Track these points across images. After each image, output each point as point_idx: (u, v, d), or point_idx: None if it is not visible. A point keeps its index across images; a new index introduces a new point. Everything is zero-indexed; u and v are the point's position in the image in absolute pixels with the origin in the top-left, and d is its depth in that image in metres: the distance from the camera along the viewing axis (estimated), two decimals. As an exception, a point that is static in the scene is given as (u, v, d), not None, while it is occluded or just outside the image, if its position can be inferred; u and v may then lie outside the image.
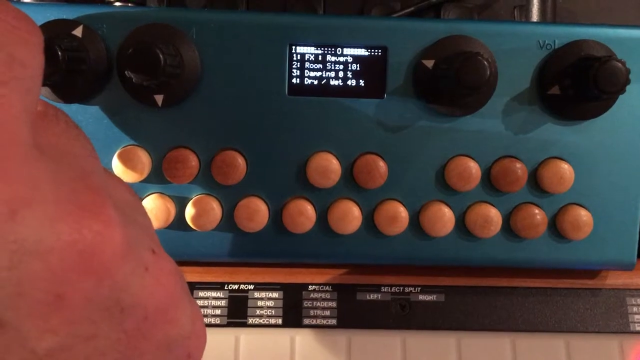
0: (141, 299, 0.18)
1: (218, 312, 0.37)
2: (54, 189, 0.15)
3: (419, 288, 0.38)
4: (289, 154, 0.35)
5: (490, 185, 0.35)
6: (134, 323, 0.18)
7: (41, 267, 0.15)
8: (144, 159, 0.34)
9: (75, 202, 0.16)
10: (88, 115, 0.34)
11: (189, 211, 0.34)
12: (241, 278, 0.37)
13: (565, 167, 0.34)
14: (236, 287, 0.37)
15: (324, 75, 0.34)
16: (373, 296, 0.37)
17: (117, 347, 0.17)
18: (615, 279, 0.38)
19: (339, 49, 0.34)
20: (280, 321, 0.37)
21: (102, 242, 0.16)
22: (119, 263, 0.17)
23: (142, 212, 0.21)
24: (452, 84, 0.32)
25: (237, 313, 0.37)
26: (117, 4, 0.37)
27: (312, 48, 0.34)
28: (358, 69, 0.34)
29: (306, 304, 0.37)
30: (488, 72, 0.31)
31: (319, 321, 0.37)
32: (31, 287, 0.15)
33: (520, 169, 0.34)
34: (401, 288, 0.38)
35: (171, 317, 0.19)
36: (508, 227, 0.36)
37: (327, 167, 0.34)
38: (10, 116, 0.15)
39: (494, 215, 0.35)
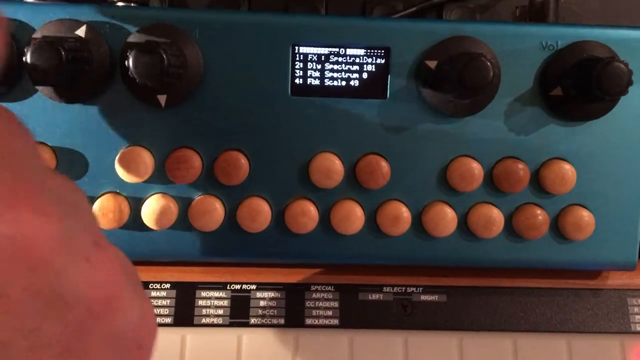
0: (83, 290, 0.17)
1: (220, 312, 0.37)
2: None
3: (421, 288, 0.38)
4: (292, 155, 0.35)
5: (493, 186, 0.35)
6: (77, 315, 0.17)
7: None
8: (147, 159, 0.34)
9: (10, 198, 0.16)
10: (91, 116, 0.34)
11: (192, 211, 0.34)
12: (243, 278, 0.37)
13: (567, 167, 0.34)
14: (238, 287, 0.37)
15: (326, 76, 0.34)
16: (375, 296, 0.37)
17: (61, 340, 0.17)
18: (616, 280, 0.38)
19: (342, 49, 0.34)
20: (282, 321, 0.37)
21: (37, 233, 0.16)
22: (55, 254, 0.16)
23: (84, 205, 0.21)
24: (455, 84, 0.32)
25: (240, 313, 0.37)
26: (120, 4, 0.37)
27: (315, 48, 0.34)
28: (361, 69, 0.34)
29: (308, 304, 0.37)
30: (491, 73, 0.31)
31: (321, 321, 0.37)
32: None
33: (522, 169, 0.34)
34: (403, 288, 0.38)
35: (115, 308, 0.19)
36: (510, 228, 0.36)
37: (330, 167, 0.34)
38: None
39: (496, 215, 0.35)
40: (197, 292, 0.37)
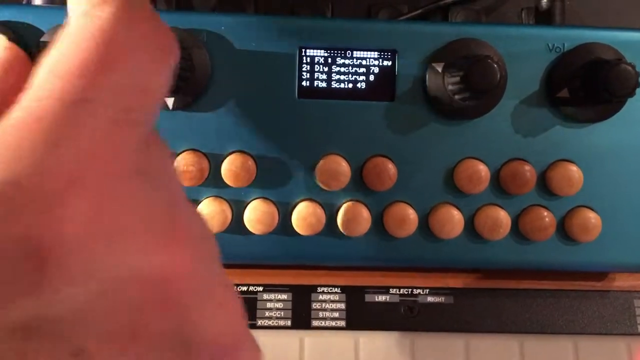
0: (210, 337, 0.17)
1: (227, 313, 0.37)
2: (148, 218, 0.15)
3: (428, 290, 0.38)
4: (299, 157, 0.35)
5: (499, 188, 0.35)
6: None
7: (124, 299, 0.15)
8: (155, 161, 0.34)
9: (164, 235, 0.16)
10: (99, 118, 0.34)
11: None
12: (250, 280, 0.37)
13: (574, 169, 0.35)
14: (245, 288, 0.37)
15: (333, 78, 0.34)
16: (382, 298, 0.37)
17: None
18: (623, 281, 0.38)
19: (349, 52, 0.34)
20: (289, 323, 0.37)
21: (182, 277, 0.16)
22: (195, 299, 0.16)
23: (215, 243, 0.20)
24: (461, 87, 0.32)
25: (246, 315, 0.37)
26: (127, 7, 0.37)
27: (322, 51, 0.34)
28: (367, 71, 0.34)
29: (315, 305, 0.37)
30: (498, 76, 0.31)
31: (327, 323, 0.37)
32: (112, 318, 0.14)
33: (529, 171, 0.34)
34: (410, 290, 0.38)
35: (235, 357, 0.18)
36: (517, 230, 0.36)
37: (337, 169, 0.34)
38: (128, 142, 0.15)
39: (503, 217, 0.35)
40: (204, 294, 0.37)
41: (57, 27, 0.32)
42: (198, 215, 0.19)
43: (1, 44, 0.19)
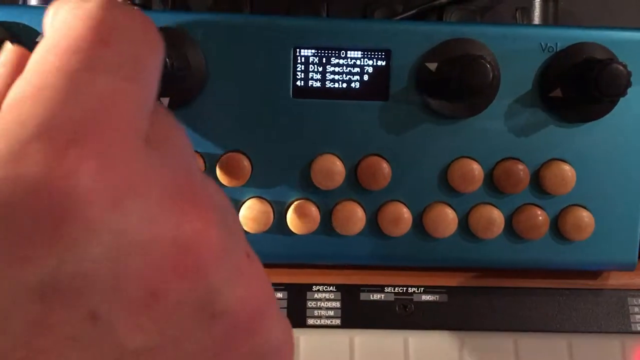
0: (233, 305, 0.17)
1: (223, 312, 0.37)
2: (159, 182, 0.15)
3: (422, 288, 0.38)
4: (294, 156, 0.35)
5: (493, 187, 0.35)
6: (223, 330, 0.16)
7: (139, 261, 0.14)
8: (150, 161, 0.34)
9: (179, 198, 0.15)
10: (95, 118, 0.34)
11: (195, 212, 0.34)
12: (246, 279, 0.37)
13: (567, 168, 0.35)
14: (241, 287, 0.37)
15: (328, 78, 0.35)
16: (376, 296, 0.38)
17: (204, 355, 0.16)
18: (616, 280, 0.38)
19: (343, 51, 0.34)
20: (284, 321, 0.37)
21: (201, 242, 0.15)
22: (215, 265, 0.16)
23: (235, 214, 0.20)
24: (455, 86, 0.32)
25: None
26: (123, 7, 0.37)
27: (317, 51, 0.34)
28: (362, 71, 0.34)
29: (310, 304, 0.37)
30: (491, 75, 0.31)
31: (323, 321, 0.37)
32: (127, 281, 0.14)
33: (522, 170, 0.35)
34: (404, 288, 0.38)
35: (260, 327, 0.18)
36: (510, 229, 0.36)
37: (332, 169, 0.34)
38: (131, 107, 0.15)
39: (497, 216, 0.35)
40: (200, 292, 0.37)
41: (53, 27, 0.33)
42: (216, 186, 0.19)
43: (7, 47, 0.20)
